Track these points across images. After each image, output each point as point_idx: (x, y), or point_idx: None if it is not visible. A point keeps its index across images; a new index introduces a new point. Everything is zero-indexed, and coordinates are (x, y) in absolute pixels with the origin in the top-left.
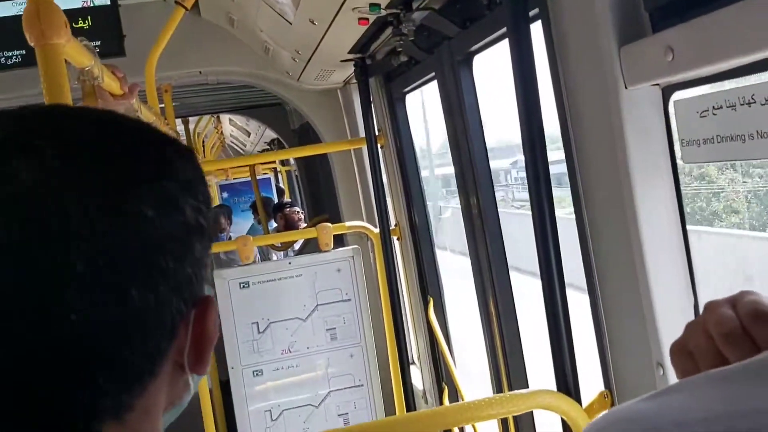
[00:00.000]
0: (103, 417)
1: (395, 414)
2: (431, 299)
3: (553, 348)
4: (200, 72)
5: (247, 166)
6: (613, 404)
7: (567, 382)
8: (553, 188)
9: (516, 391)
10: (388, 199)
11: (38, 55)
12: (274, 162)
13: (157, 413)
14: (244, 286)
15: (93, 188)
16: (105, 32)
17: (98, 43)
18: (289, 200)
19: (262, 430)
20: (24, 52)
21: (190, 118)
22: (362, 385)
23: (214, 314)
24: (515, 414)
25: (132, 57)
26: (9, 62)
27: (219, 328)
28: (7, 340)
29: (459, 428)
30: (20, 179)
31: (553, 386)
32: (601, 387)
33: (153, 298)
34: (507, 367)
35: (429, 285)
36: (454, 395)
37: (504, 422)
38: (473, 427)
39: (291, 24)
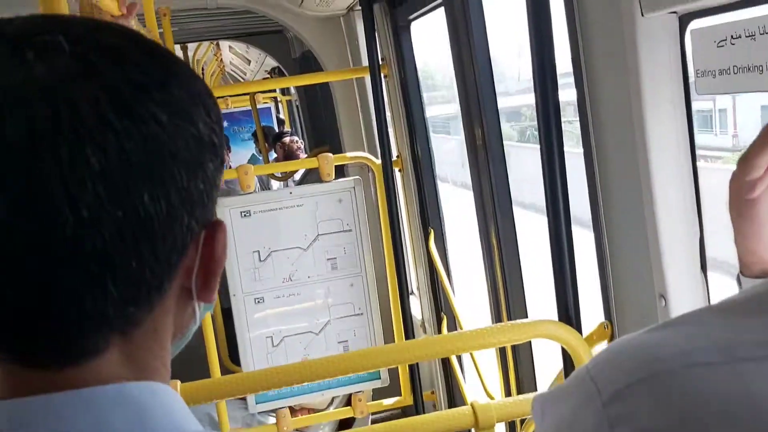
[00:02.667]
0: (109, 328)
1: (393, 342)
2: (432, 231)
3: (555, 278)
4: None
5: (247, 94)
6: (613, 335)
7: (568, 312)
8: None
9: (517, 321)
10: (390, 130)
11: None
12: (274, 91)
13: (164, 336)
14: (245, 215)
15: (105, 87)
16: None
17: None
18: (289, 130)
19: (263, 356)
20: None
21: (189, 45)
22: (362, 314)
23: (224, 238)
24: (516, 343)
25: None
26: None
27: None
28: (17, 237)
29: (457, 358)
30: (34, 71)
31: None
32: (600, 318)
33: (164, 207)
34: (507, 299)
35: (430, 217)
36: (453, 326)
37: (503, 354)
38: (472, 357)
39: None
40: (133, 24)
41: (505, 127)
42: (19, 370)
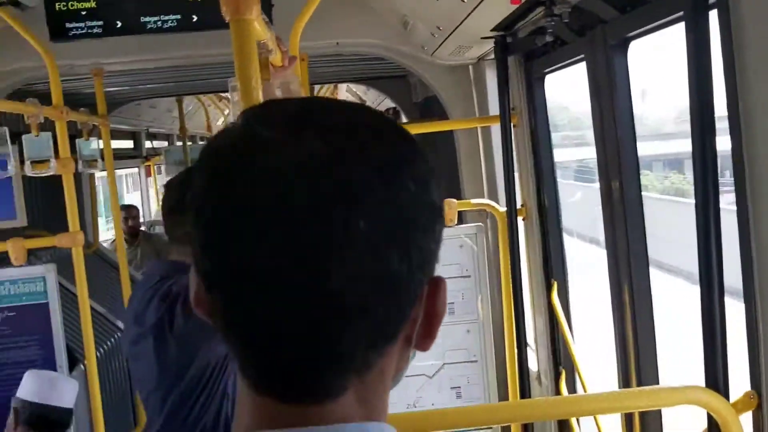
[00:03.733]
0: (351, 371)
1: (507, 393)
2: (555, 283)
3: (705, 343)
4: (337, 43)
5: None
6: (759, 406)
7: (717, 379)
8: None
9: (662, 385)
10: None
11: (232, 28)
12: None
13: (388, 378)
14: None
15: (371, 161)
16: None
17: None
18: None
19: None
20: (179, 17)
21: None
22: (476, 361)
23: (444, 294)
24: (659, 408)
25: (277, 26)
26: (165, 26)
27: None
28: (293, 289)
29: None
30: (315, 148)
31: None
32: (743, 388)
33: (406, 267)
34: (637, 361)
35: (553, 269)
36: (571, 380)
37: (628, 418)
38: (595, 419)
39: (438, 0)
40: (295, 74)
41: None
42: (273, 403)
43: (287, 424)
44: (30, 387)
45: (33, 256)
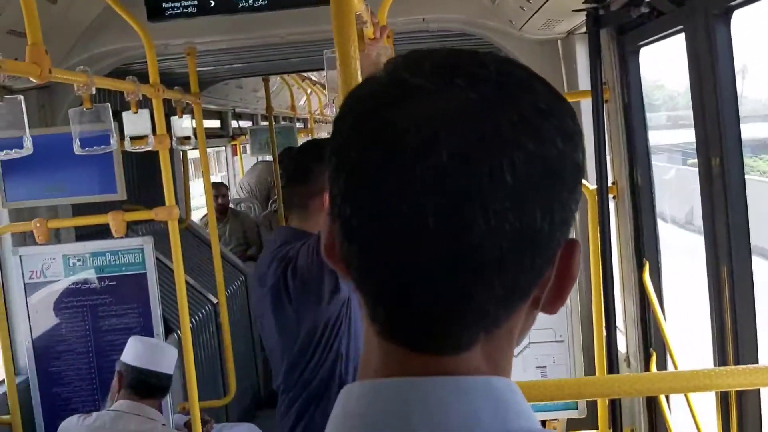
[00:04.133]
0: (481, 326)
1: (594, 374)
2: (647, 262)
3: None
4: (423, 19)
5: None
6: None
7: None
8: None
9: (761, 364)
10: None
11: (332, 4)
12: None
13: (512, 341)
14: None
15: (521, 113)
16: None
17: None
18: None
19: None
20: None
21: None
22: (563, 341)
23: (579, 257)
24: (762, 387)
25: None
26: (256, 4)
27: None
28: (435, 240)
29: (666, 396)
30: (466, 97)
31: None
32: None
33: (548, 224)
34: (735, 342)
35: (645, 248)
36: (662, 362)
37: (724, 398)
38: (687, 399)
39: None
40: (387, 46)
41: None
42: (402, 352)
43: (415, 373)
44: (134, 352)
45: (129, 230)
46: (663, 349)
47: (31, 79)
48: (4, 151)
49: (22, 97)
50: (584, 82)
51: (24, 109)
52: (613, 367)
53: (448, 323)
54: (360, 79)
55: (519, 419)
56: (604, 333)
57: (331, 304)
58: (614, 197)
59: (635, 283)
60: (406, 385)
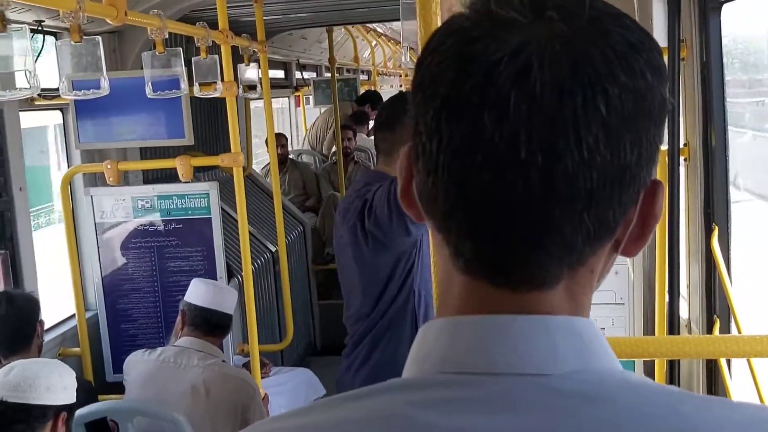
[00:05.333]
0: (566, 262)
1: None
2: (716, 228)
3: None
4: None
5: None
6: None
7: None
8: None
9: None
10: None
11: None
12: None
13: (593, 281)
14: None
15: (614, 46)
16: None
17: None
18: None
19: None
20: None
21: None
22: (623, 304)
23: (662, 198)
24: None
25: None
26: None
27: None
28: (528, 172)
29: (727, 363)
30: (558, 29)
31: None
32: None
33: (636, 159)
34: None
35: (716, 213)
36: (726, 330)
37: None
38: (750, 365)
39: None
40: None
41: None
42: (484, 287)
43: (498, 310)
44: (196, 292)
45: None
46: (727, 317)
47: (108, 21)
48: (82, 92)
49: (100, 39)
50: (660, 38)
51: (102, 51)
52: (673, 332)
53: (536, 257)
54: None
55: (602, 359)
56: (667, 297)
57: (402, 244)
58: (685, 159)
59: (702, 249)
60: (488, 322)
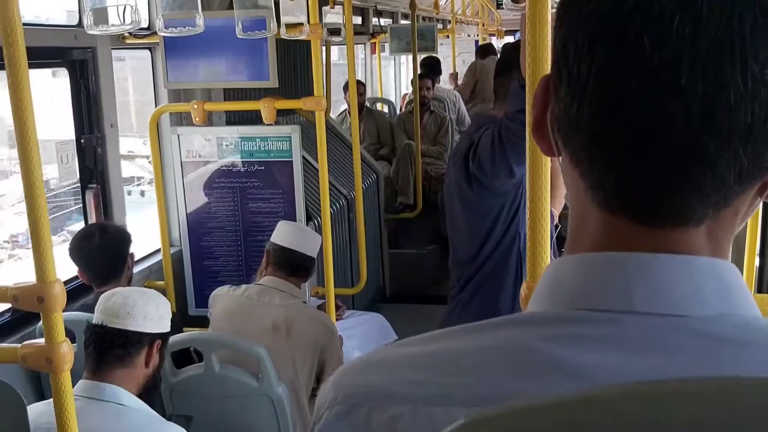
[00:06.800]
0: (711, 201)
1: None
2: None
3: None
4: None
5: None
6: None
7: None
8: None
9: None
10: None
11: None
12: None
13: (735, 225)
14: None
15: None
16: None
17: None
18: None
19: None
20: None
21: None
22: None
23: None
24: None
25: None
26: None
27: None
28: (680, 95)
29: None
30: None
31: None
32: None
33: None
34: None
35: None
36: None
37: None
38: None
39: None
40: None
41: None
42: (625, 224)
43: (639, 248)
44: (282, 233)
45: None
46: None
47: None
48: (178, 29)
49: None
50: None
51: None
52: (762, 288)
53: (682, 194)
54: None
55: (744, 304)
56: (757, 261)
57: (505, 185)
58: None
59: None
60: (627, 259)
